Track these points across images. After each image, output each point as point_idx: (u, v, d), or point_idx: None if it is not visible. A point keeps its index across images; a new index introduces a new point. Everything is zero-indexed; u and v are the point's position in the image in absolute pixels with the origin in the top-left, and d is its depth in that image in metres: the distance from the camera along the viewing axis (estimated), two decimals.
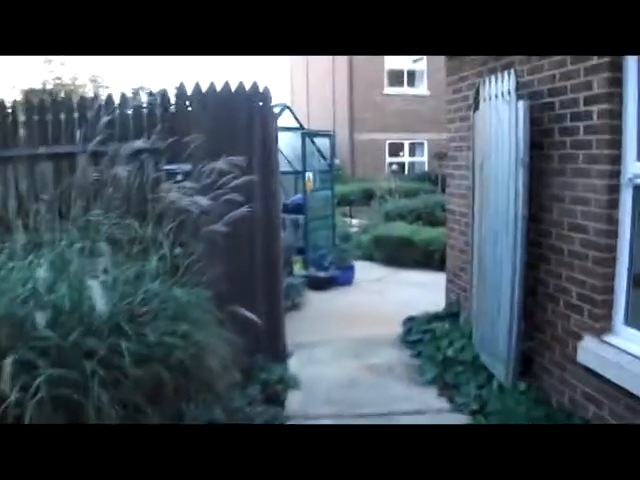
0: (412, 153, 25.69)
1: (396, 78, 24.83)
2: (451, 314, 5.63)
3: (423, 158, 25.51)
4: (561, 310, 3.98)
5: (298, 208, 8.27)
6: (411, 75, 25.22)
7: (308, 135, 7.99)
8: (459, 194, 5.46)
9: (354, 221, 15.57)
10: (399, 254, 9.37)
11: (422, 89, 25.03)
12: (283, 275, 4.89)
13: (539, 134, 4.02)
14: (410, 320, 5.81)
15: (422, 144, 25.47)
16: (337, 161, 25.41)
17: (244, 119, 4.57)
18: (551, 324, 4.10)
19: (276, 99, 8.83)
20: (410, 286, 8.13)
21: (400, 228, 9.76)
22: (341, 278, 8.04)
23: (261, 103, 4.65)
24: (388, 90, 24.48)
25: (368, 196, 19.24)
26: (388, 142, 24.76)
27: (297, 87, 30.56)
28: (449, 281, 5.91)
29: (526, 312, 4.16)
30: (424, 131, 24.68)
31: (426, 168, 24.81)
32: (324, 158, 8.48)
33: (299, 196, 8.45)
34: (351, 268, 8.24)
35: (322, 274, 7.93)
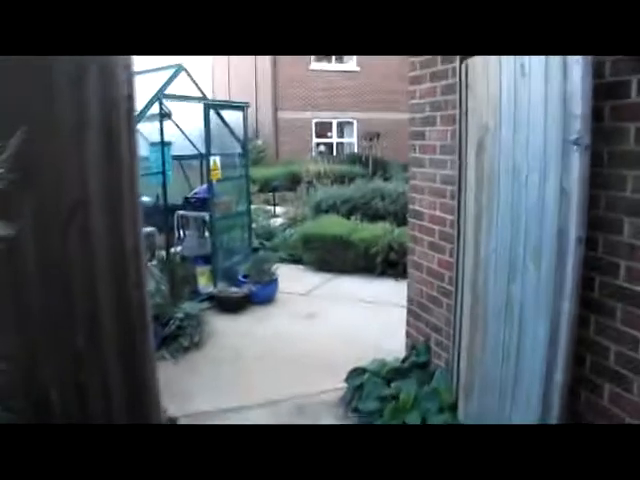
0: (341, 133, 23.96)
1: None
2: (417, 365, 3.87)
3: (352, 139, 23.89)
4: (634, 400, 2.28)
5: (204, 203, 6.30)
6: None
7: (213, 107, 5.98)
8: (431, 189, 3.67)
9: (279, 210, 13.68)
10: (334, 257, 7.56)
11: (351, 64, 23.32)
12: (151, 328, 2.95)
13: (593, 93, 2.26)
14: (358, 374, 3.99)
15: (351, 123, 23.87)
16: (260, 142, 23.33)
17: (67, 75, 2.56)
18: (610, 416, 2.41)
19: (177, 62, 6.78)
20: (351, 303, 6.34)
21: (334, 224, 7.89)
22: (260, 295, 6.14)
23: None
24: (315, 65, 22.59)
25: (295, 180, 17.45)
26: (315, 121, 22.94)
27: (218, 62, 28.05)
28: (412, 314, 4.13)
29: None
30: (353, 110, 23.08)
31: (356, 149, 23.20)
32: (236, 138, 6.50)
33: (204, 187, 6.46)
34: (273, 281, 6.36)
35: (235, 291, 6.01)
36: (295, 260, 8.20)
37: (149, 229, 5.67)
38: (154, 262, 5.32)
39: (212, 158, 5.87)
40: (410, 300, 4.14)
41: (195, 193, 6.65)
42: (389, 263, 7.33)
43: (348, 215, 8.70)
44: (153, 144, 6.32)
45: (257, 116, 23.78)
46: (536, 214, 2.36)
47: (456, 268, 3.24)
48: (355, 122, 23.71)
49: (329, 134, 23.65)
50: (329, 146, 23.59)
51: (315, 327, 5.55)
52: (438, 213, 3.57)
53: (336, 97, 22.70)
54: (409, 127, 3.92)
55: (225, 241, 6.48)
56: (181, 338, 4.81)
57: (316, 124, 23.04)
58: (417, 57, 3.73)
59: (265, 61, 22.39)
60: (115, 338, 2.68)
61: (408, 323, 4.18)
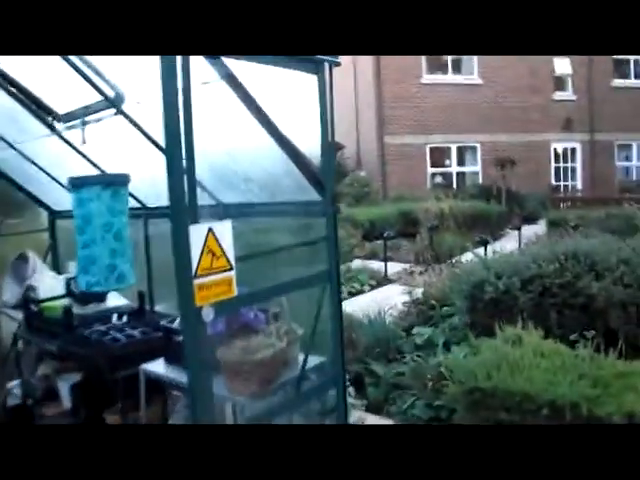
0: (461, 161, 19.39)
1: (437, 63, 18.64)
2: None
3: (476, 167, 19.23)
4: None
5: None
6: (456, 59, 18.97)
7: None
8: None
9: (391, 268, 9.44)
10: None
11: (472, 76, 18.82)
12: None
13: None
14: None
15: (474, 148, 19.23)
16: (363, 174, 19.19)
17: None
18: None
19: None
20: None
21: (538, 357, 3.44)
22: None
23: None
24: (427, 78, 18.27)
25: (409, 223, 13.21)
26: (429, 147, 18.52)
27: None
28: None
29: None
30: (476, 131, 18.51)
31: (480, 180, 18.58)
32: (313, 180, 2.24)
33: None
34: None
35: None
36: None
37: None
38: None
39: (200, 227, 1.72)
40: None
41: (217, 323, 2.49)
42: None
43: (542, 319, 4.21)
44: (76, 184, 2.36)
45: (359, 143, 19.79)
46: None
47: None
48: (478, 146, 19.14)
49: (447, 162, 19.19)
50: (447, 177, 19.12)
51: None
52: None
53: (454, 116, 18.29)
54: None
55: None
56: None
57: (431, 150, 18.67)
58: None
59: (367, 75, 18.40)
60: None
61: None
